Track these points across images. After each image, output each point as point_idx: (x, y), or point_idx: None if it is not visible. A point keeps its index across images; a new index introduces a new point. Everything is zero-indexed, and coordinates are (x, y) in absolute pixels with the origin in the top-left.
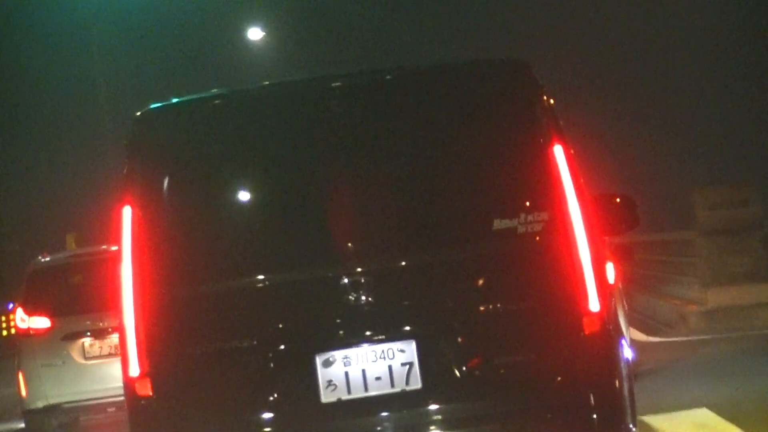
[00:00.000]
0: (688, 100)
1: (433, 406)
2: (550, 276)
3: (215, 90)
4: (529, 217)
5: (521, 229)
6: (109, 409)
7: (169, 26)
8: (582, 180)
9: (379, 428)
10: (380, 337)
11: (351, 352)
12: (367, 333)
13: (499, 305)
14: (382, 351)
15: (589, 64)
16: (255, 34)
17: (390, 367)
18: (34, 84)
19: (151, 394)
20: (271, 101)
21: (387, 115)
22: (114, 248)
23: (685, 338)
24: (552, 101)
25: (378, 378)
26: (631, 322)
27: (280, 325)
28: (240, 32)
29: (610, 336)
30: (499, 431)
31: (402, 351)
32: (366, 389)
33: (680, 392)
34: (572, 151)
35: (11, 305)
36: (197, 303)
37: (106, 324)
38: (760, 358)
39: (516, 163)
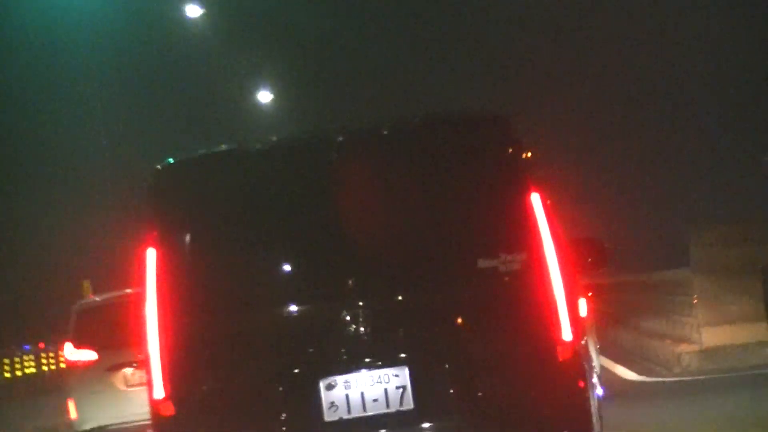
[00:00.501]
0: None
1: (425, 424)
2: (527, 309)
3: (224, 146)
4: (509, 258)
5: (502, 269)
6: (148, 431)
7: (178, 88)
8: (557, 224)
9: None
10: (377, 364)
11: (351, 377)
12: (366, 360)
13: (482, 335)
14: (379, 376)
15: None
16: (265, 96)
17: (386, 390)
18: (41, 142)
19: (174, 413)
20: (277, 155)
21: (381, 168)
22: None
23: (679, 378)
24: (530, 153)
25: (375, 400)
26: (623, 363)
27: (289, 353)
28: (250, 94)
29: (581, 362)
30: None
31: (396, 376)
32: (365, 409)
33: None
34: (549, 199)
35: (28, 347)
36: (214, 334)
37: None
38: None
39: (496, 209)
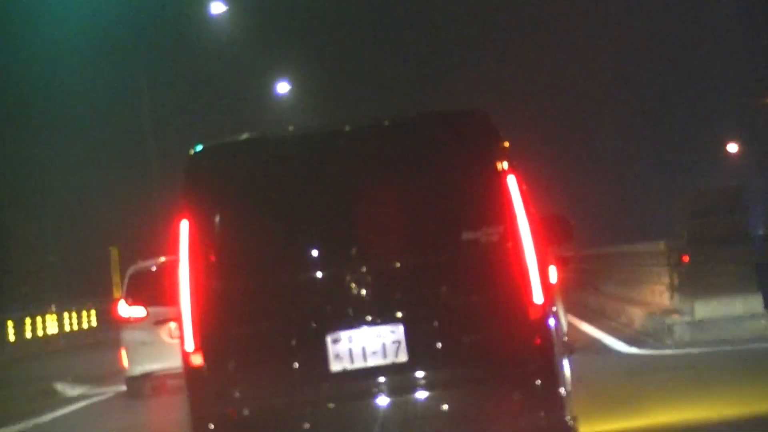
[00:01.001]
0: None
1: (417, 374)
2: (504, 275)
3: (248, 134)
4: (489, 231)
5: (482, 240)
6: None
7: (208, 78)
8: (530, 202)
9: (375, 390)
10: (376, 321)
11: (354, 332)
12: (367, 318)
13: (465, 298)
14: (378, 332)
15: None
16: (283, 87)
17: (383, 344)
18: (89, 121)
19: (202, 363)
20: (293, 143)
21: (382, 155)
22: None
23: (671, 351)
24: (506, 143)
25: (374, 352)
26: (608, 331)
27: (301, 312)
28: (269, 85)
29: (550, 321)
30: (466, 393)
31: (393, 332)
32: (365, 361)
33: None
34: (523, 180)
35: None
36: (238, 295)
37: None
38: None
39: (478, 190)
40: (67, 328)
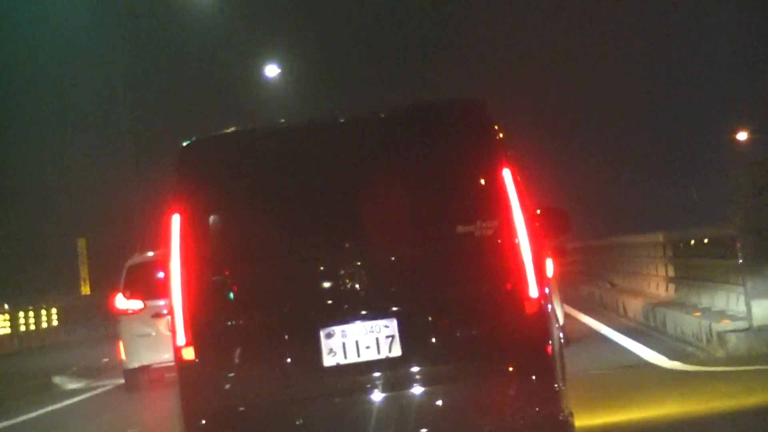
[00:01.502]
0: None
1: (410, 368)
2: (499, 269)
3: (239, 127)
4: (483, 224)
5: (477, 233)
6: None
7: (192, 59)
8: (526, 195)
9: (368, 385)
10: (370, 316)
11: (347, 327)
12: (360, 313)
13: (460, 291)
14: (371, 326)
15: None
16: (272, 71)
17: (377, 339)
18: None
19: (194, 358)
20: (284, 135)
21: (377, 146)
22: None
23: (722, 368)
24: (502, 134)
25: (368, 347)
26: (644, 340)
27: (294, 306)
28: (258, 69)
29: (546, 315)
30: (460, 388)
31: (386, 326)
32: (359, 355)
33: None
34: (519, 173)
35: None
36: (230, 289)
37: None
38: None
39: (473, 182)
40: (22, 328)
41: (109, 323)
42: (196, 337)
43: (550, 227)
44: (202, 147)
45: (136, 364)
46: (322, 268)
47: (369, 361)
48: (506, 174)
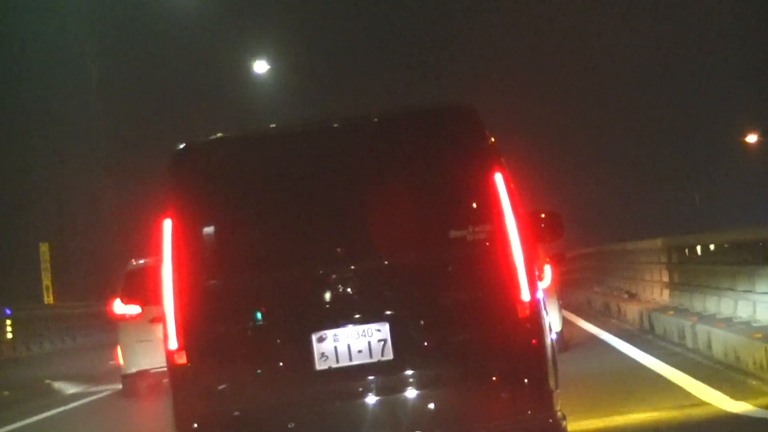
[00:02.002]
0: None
1: (402, 372)
2: (491, 273)
3: (231, 132)
4: (475, 229)
5: (469, 238)
6: None
7: (176, 56)
8: (518, 199)
9: (360, 389)
10: (362, 320)
11: (339, 331)
12: (352, 317)
13: (452, 295)
14: (363, 330)
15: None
16: (261, 66)
17: (369, 343)
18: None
19: (186, 362)
20: (276, 140)
21: (369, 151)
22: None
23: None
24: (493, 139)
25: (360, 351)
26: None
27: (286, 310)
28: (246, 65)
29: (538, 319)
30: (453, 391)
31: (378, 330)
32: (351, 359)
33: None
34: (510, 177)
35: (8, 311)
36: (222, 293)
37: None
38: None
39: (464, 187)
40: None
41: (76, 334)
42: (188, 341)
43: (543, 231)
44: (195, 152)
45: (134, 369)
46: (314, 272)
47: (361, 365)
48: (497, 178)
